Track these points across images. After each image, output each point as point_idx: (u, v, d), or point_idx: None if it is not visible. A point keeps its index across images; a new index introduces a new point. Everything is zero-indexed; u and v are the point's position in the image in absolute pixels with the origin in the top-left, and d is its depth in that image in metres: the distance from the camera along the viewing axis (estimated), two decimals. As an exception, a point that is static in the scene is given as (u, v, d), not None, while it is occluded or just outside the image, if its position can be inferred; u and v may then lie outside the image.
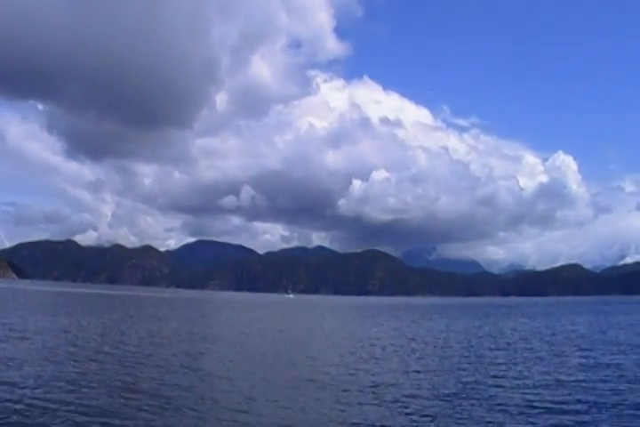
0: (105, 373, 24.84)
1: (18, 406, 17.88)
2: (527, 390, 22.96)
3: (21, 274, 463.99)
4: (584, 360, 32.36)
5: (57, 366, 25.72)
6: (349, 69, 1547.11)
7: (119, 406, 18.77)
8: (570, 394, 22.27)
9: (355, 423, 17.55)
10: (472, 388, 23.50)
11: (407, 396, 21.70)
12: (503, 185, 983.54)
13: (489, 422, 17.91)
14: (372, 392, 22.34)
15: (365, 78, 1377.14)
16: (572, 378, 25.97)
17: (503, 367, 29.50)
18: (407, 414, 18.80)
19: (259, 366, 28.65)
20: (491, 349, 38.58)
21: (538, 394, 22.22)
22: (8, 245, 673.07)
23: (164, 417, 17.57)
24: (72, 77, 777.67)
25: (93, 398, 19.57)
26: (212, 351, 34.35)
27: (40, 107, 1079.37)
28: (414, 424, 17.60)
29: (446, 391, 22.71)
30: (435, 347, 39.78)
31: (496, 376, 26.45)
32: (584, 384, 24.34)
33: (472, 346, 40.46)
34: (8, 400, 18.63)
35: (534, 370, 28.55)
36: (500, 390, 23.14)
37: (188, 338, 41.53)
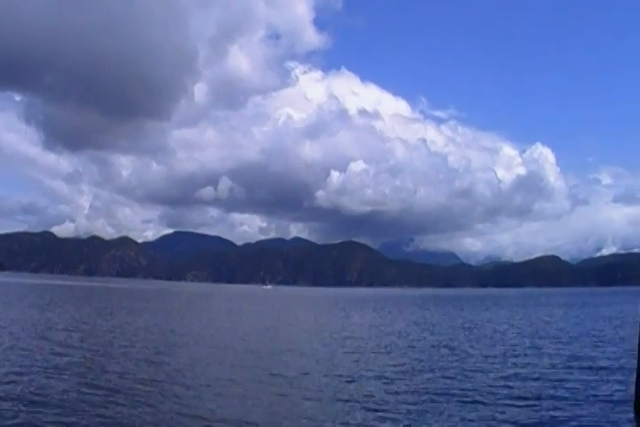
0: (69, 367, 24.23)
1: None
2: (501, 384, 22.70)
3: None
4: (560, 353, 32.15)
5: (21, 360, 25.15)
6: (328, 61, 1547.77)
7: (78, 401, 18.11)
8: (544, 387, 22.01)
9: (319, 420, 17.08)
10: (445, 382, 23.16)
11: (377, 390, 21.28)
12: (481, 177, 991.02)
13: (461, 417, 17.56)
14: (342, 387, 21.89)
15: (343, 70, 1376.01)
16: (547, 371, 25.75)
17: (477, 360, 29.27)
18: (375, 409, 18.30)
19: (227, 361, 28.14)
20: (466, 341, 38.46)
21: (511, 388, 21.97)
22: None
23: (123, 413, 16.92)
24: (50, 68, 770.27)
25: (52, 393, 18.97)
26: (181, 345, 33.70)
27: (17, 97, 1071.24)
28: (383, 420, 17.20)
29: (418, 386, 22.34)
30: (409, 340, 39.53)
31: (470, 370, 26.14)
32: (559, 377, 24.09)
33: (447, 338, 40.28)
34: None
35: (509, 363, 28.32)
36: (473, 383, 22.84)
37: (158, 331, 40.90)
